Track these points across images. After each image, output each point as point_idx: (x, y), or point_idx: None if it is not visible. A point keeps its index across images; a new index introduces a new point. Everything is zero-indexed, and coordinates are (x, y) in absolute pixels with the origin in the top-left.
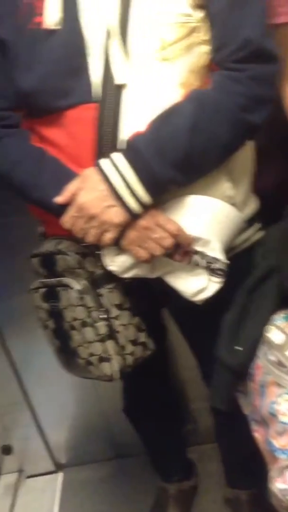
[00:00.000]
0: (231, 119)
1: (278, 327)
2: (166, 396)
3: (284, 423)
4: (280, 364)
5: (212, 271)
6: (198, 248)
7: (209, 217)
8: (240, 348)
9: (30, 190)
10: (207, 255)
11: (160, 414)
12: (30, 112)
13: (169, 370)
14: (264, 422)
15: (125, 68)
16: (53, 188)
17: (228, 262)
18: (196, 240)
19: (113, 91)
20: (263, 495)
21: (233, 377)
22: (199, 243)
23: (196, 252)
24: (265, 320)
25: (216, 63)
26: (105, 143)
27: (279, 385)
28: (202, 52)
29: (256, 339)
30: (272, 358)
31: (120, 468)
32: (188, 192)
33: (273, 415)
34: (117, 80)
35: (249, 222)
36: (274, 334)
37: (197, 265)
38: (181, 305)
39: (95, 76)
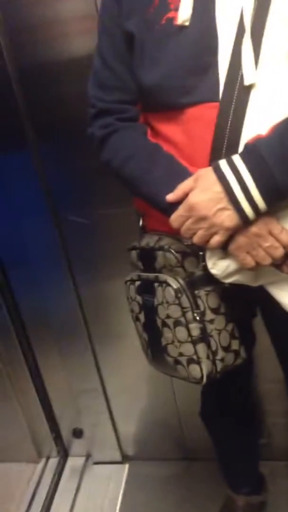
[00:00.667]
0: None
1: None
2: (244, 406)
3: None
4: None
5: None
6: None
7: None
8: None
9: (141, 184)
10: None
11: (236, 423)
12: (147, 106)
13: (251, 381)
14: None
15: (254, 69)
16: (165, 185)
17: None
18: None
19: (240, 92)
20: None
21: None
22: None
23: None
24: None
25: None
26: (224, 144)
27: None
28: None
29: None
30: None
31: (187, 470)
32: None
33: None
34: (247, 81)
35: None
36: None
37: None
38: (279, 317)
39: (223, 75)
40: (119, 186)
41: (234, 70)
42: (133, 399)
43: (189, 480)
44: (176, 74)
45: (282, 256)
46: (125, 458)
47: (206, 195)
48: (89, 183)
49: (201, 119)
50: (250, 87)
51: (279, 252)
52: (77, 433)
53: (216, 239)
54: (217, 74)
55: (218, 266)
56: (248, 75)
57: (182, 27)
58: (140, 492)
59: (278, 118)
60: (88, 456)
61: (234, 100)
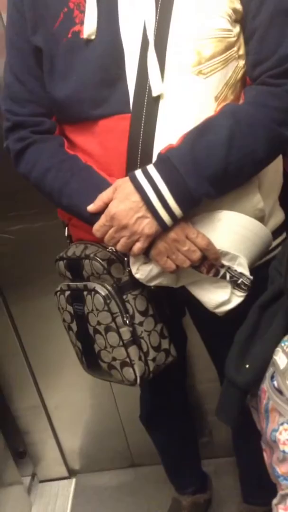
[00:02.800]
0: (267, 134)
1: (284, 350)
2: (183, 406)
3: (285, 452)
4: (280, 391)
5: (237, 285)
6: (225, 262)
7: (238, 233)
8: (247, 366)
9: (61, 196)
10: (233, 270)
11: (176, 424)
12: (62, 118)
13: (187, 381)
14: (269, 446)
15: (161, 80)
16: (85, 196)
17: (252, 278)
18: (223, 254)
19: (149, 103)
20: None
21: (241, 394)
22: (226, 257)
23: (223, 266)
24: (275, 341)
25: (253, 78)
26: (138, 154)
27: (279, 413)
28: (238, 67)
29: (265, 360)
30: (275, 383)
31: (134, 476)
32: (219, 205)
33: (275, 442)
34: (154, 92)
35: (274, 233)
36: (280, 357)
37: (222, 278)
38: (204, 315)
39: (132, 87)
40: (42, 200)
41: (142, 81)
42: (75, 412)
43: (136, 487)
44: (86, 87)
45: (199, 259)
46: (71, 473)
47: (126, 204)
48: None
49: (114, 131)
50: (158, 98)
51: (197, 255)
52: (21, 454)
53: (138, 246)
54: (126, 86)
55: (142, 271)
56: (155, 86)
57: (88, 41)
58: (88, 505)
59: (187, 128)
60: (33, 475)
61: (144, 111)
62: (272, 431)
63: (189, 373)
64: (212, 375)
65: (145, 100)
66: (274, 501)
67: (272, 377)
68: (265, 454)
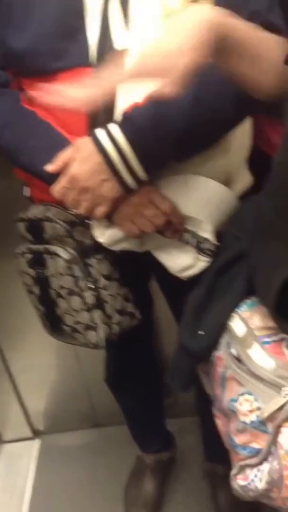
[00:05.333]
0: (234, 93)
1: (240, 317)
2: (147, 368)
3: (245, 423)
4: (240, 360)
5: (201, 250)
6: (189, 227)
7: (203, 198)
8: (202, 333)
9: (19, 154)
10: (197, 235)
11: (141, 385)
12: (20, 72)
13: (153, 343)
14: (225, 414)
15: (124, 33)
16: (44, 155)
17: (217, 243)
18: (188, 219)
19: (111, 56)
20: None
21: (193, 361)
22: (191, 222)
23: (187, 231)
24: (229, 306)
25: None
26: (99, 111)
27: (239, 382)
28: None
29: (220, 326)
30: (233, 351)
31: (99, 437)
32: (185, 169)
33: (234, 412)
34: (117, 45)
35: (242, 198)
36: (236, 324)
37: (187, 243)
38: (169, 279)
39: (93, 39)
40: None
41: (104, 34)
42: (39, 374)
43: (101, 447)
44: (45, 38)
45: (163, 223)
46: (36, 433)
47: (87, 166)
48: None
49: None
50: (121, 52)
51: (161, 219)
52: None
53: (101, 210)
54: (86, 37)
55: (105, 235)
56: (118, 39)
57: None
58: (54, 465)
59: (152, 85)
60: None
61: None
62: (231, 400)
63: (156, 336)
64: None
65: (108, 54)
66: (233, 471)
67: (228, 344)
68: (218, 421)
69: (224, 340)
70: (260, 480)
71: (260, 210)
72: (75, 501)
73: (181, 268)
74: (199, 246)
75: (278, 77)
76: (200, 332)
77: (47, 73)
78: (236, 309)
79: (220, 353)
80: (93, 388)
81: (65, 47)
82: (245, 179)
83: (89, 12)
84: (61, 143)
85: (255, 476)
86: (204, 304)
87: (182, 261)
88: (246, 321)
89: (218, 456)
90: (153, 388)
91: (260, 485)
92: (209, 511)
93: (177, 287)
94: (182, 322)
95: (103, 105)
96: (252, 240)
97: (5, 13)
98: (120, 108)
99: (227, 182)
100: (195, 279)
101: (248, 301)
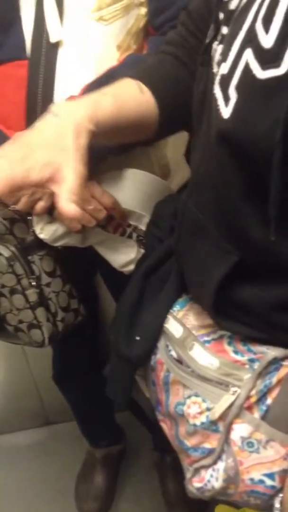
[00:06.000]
0: None
1: (175, 318)
2: (93, 363)
3: (195, 425)
4: (181, 362)
5: (143, 244)
6: (131, 221)
7: (144, 192)
8: (138, 338)
9: None
10: (139, 229)
11: (88, 380)
12: None
13: (99, 338)
14: (172, 418)
15: (59, 25)
16: None
17: None
18: (130, 214)
19: (48, 49)
20: None
21: (132, 368)
22: (133, 217)
23: (129, 225)
24: (163, 308)
25: (155, 27)
26: (37, 104)
27: (184, 385)
28: (140, 15)
29: (155, 329)
30: (173, 354)
31: (49, 434)
32: (124, 163)
33: (181, 415)
34: (52, 38)
35: (180, 192)
36: (172, 325)
37: (129, 237)
38: (113, 274)
39: (28, 31)
40: None
41: (39, 26)
42: None
43: (51, 444)
44: None
45: (105, 218)
46: None
47: None
48: None
49: (10, 78)
50: (57, 44)
51: (102, 214)
52: None
53: (41, 205)
54: (21, 30)
55: (46, 231)
56: (53, 32)
57: None
58: (4, 465)
59: (88, 77)
60: None
61: (43, 58)
62: (177, 404)
63: (101, 330)
64: None
65: (43, 46)
66: (187, 475)
67: (167, 347)
68: (163, 425)
69: (161, 343)
70: (217, 479)
71: (185, 208)
72: (28, 500)
73: (124, 263)
74: (141, 240)
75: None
76: (136, 337)
77: None
78: (170, 310)
79: (160, 357)
80: (42, 385)
81: (0, 40)
82: (183, 174)
83: (23, 4)
84: None
85: (211, 476)
86: (136, 308)
87: (124, 256)
88: (182, 321)
89: (165, 444)
90: (99, 383)
91: (217, 484)
92: (160, 501)
93: (121, 281)
94: (115, 330)
95: (41, 97)
96: (179, 239)
97: None
98: (58, 99)
99: (165, 176)
100: None
101: (180, 300)
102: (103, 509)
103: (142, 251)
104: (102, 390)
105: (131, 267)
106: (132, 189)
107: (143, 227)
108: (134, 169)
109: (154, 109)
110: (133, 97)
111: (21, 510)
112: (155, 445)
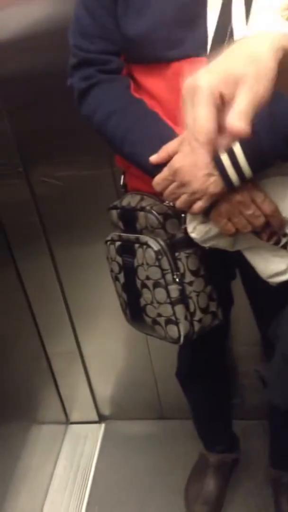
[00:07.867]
0: None
1: None
2: (219, 367)
3: None
4: None
5: None
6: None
7: None
8: None
9: (123, 143)
10: None
11: (212, 383)
12: (131, 58)
13: (227, 343)
14: None
15: (245, 24)
16: (149, 146)
17: None
18: (287, 223)
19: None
20: None
21: None
22: None
23: (285, 235)
24: None
25: None
26: None
27: None
28: None
29: None
30: None
31: (162, 429)
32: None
33: None
34: (237, 36)
35: None
36: None
37: (282, 248)
38: (256, 282)
39: (212, 28)
40: (94, 147)
41: (223, 23)
42: (110, 361)
43: (164, 439)
44: (162, 25)
45: (262, 225)
46: (101, 418)
47: (191, 159)
48: (63, 142)
49: (185, 75)
50: None
51: (260, 220)
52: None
53: (199, 205)
54: (205, 27)
55: (198, 231)
56: (238, 29)
57: None
58: (116, 451)
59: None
60: (66, 416)
61: None
62: None
63: (230, 335)
64: (250, 339)
65: (225, 44)
66: None
67: None
68: None
69: None
70: None
71: None
72: (135, 488)
73: (272, 273)
74: None
75: None
76: None
77: (161, 61)
78: None
79: None
80: (160, 380)
81: (182, 35)
82: None
83: (210, 0)
84: (167, 134)
85: None
86: None
87: (274, 266)
88: None
89: (285, 464)
90: (222, 386)
91: None
92: None
93: (263, 290)
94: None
95: None
96: None
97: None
98: None
99: None
100: (284, 286)
101: None
102: None
103: None
104: (224, 394)
105: (280, 278)
106: None
107: None
108: None
109: None
110: None
111: (128, 496)
112: (272, 463)
